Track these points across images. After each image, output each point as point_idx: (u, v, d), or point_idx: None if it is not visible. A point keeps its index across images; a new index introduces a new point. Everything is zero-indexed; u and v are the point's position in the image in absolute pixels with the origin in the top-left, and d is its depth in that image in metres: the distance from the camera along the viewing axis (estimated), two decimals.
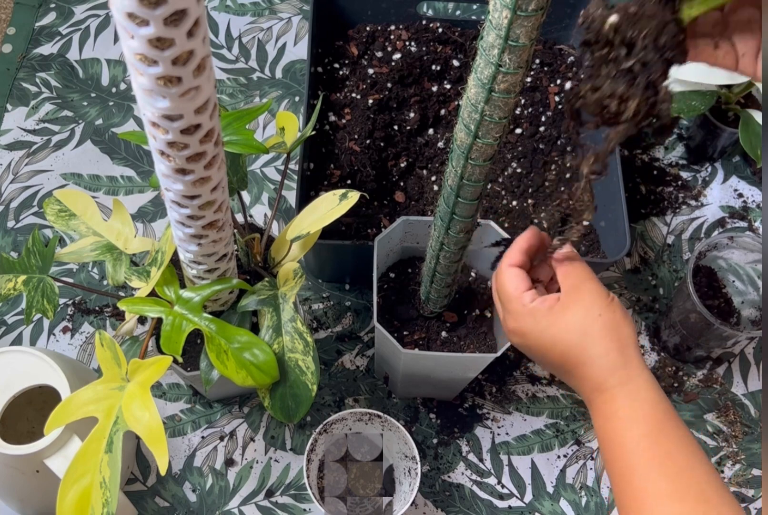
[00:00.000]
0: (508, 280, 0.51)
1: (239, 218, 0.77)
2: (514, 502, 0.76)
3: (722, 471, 0.78)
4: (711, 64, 0.41)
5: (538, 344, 0.50)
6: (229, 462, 0.76)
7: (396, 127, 0.86)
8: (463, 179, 0.51)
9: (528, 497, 0.76)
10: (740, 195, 0.93)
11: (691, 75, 0.82)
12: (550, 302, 0.49)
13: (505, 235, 0.62)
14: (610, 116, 0.40)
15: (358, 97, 0.86)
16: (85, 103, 0.95)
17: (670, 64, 0.39)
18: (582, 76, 0.41)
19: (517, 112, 0.88)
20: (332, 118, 0.86)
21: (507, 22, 0.39)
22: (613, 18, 0.38)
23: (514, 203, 0.84)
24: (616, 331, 0.47)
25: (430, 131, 0.87)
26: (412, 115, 0.86)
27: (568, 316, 0.48)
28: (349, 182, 0.82)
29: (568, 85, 0.89)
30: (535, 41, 0.40)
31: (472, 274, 0.75)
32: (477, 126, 0.46)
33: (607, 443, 0.47)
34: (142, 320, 0.78)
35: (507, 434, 0.79)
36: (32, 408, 0.70)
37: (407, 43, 0.90)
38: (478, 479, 0.77)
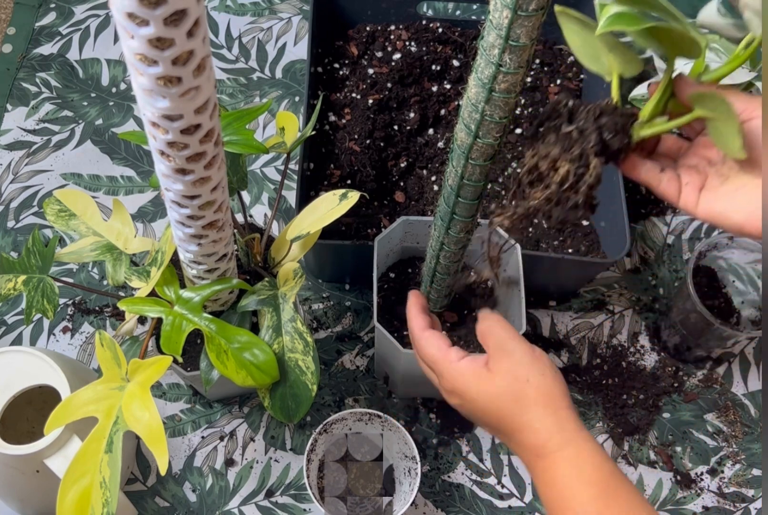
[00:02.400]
0: (428, 343, 0.53)
1: (239, 218, 0.77)
2: (514, 502, 0.76)
3: (722, 471, 0.78)
4: (654, 187, 0.45)
5: (474, 407, 0.50)
6: (229, 462, 0.76)
7: (396, 128, 0.86)
8: (463, 179, 0.51)
9: (528, 497, 0.76)
10: None
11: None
12: (479, 364, 0.50)
13: (505, 235, 0.62)
14: (536, 179, 0.44)
15: (358, 97, 0.86)
16: (85, 103, 0.95)
17: (605, 146, 0.42)
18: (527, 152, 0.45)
19: (517, 112, 0.88)
20: (332, 118, 0.86)
21: (508, 22, 0.39)
22: (572, 102, 0.43)
23: (514, 202, 0.84)
24: (548, 395, 0.48)
25: (430, 131, 0.87)
26: (412, 115, 0.86)
27: (497, 381, 0.49)
28: (349, 182, 0.82)
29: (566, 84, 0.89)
30: (536, 41, 0.40)
31: (472, 274, 0.75)
32: (477, 126, 0.46)
33: (553, 510, 0.46)
34: (142, 320, 0.78)
35: None
36: (32, 408, 0.70)
37: (407, 43, 0.90)
38: (478, 479, 0.77)
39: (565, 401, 0.48)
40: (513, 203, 0.47)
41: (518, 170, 0.47)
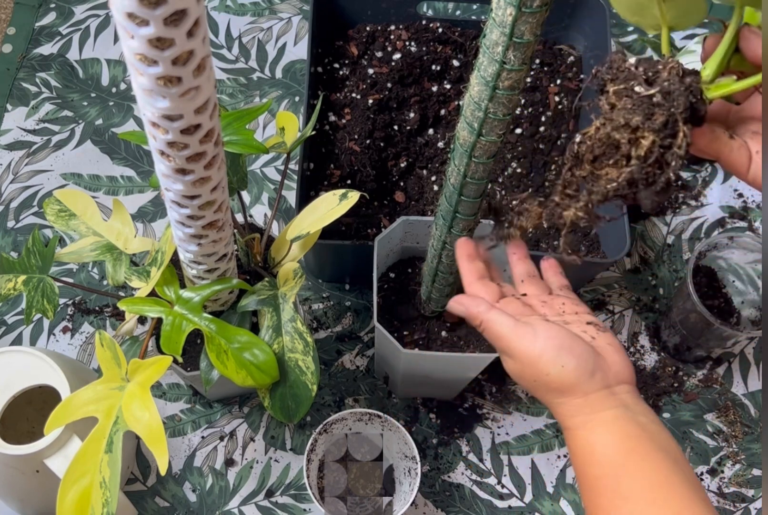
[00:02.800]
0: (499, 324, 0.49)
1: (239, 218, 0.77)
2: (514, 502, 0.76)
3: (722, 471, 0.78)
4: (723, 157, 0.41)
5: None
6: (229, 462, 0.76)
7: (396, 127, 0.86)
8: (466, 177, 0.51)
9: (528, 497, 0.76)
10: (740, 195, 0.93)
11: None
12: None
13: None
14: (605, 155, 0.38)
15: (358, 97, 0.86)
16: (85, 103, 0.95)
17: (694, 110, 0.36)
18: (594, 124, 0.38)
19: (518, 112, 0.88)
20: (332, 118, 0.86)
21: (512, 19, 0.39)
22: (633, 59, 0.37)
23: (514, 203, 0.84)
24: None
25: (430, 131, 0.87)
26: (412, 115, 0.86)
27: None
28: (349, 182, 0.82)
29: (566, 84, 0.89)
30: (539, 38, 0.40)
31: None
32: (481, 124, 0.46)
33: (578, 463, 0.46)
34: (142, 320, 0.78)
35: (507, 434, 0.79)
36: (32, 408, 0.70)
37: (407, 43, 0.90)
38: (478, 479, 0.77)
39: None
40: (565, 191, 0.41)
41: (576, 145, 0.39)
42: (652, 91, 0.36)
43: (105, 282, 0.85)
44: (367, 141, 0.83)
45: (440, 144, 0.86)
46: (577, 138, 0.39)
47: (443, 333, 0.71)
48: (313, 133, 0.72)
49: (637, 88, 0.37)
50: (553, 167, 0.86)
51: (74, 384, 0.61)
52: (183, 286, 0.62)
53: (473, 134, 0.47)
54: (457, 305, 0.51)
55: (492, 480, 0.77)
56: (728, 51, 0.39)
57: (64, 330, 0.82)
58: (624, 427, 0.45)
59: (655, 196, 0.38)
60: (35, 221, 0.88)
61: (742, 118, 0.42)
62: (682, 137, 0.36)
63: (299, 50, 0.99)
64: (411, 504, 0.68)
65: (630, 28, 1.03)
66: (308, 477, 0.68)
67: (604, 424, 0.45)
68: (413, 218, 0.70)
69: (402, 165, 0.85)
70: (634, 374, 0.48)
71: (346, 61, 0.90)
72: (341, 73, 0.89)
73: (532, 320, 0.48)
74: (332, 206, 0.63)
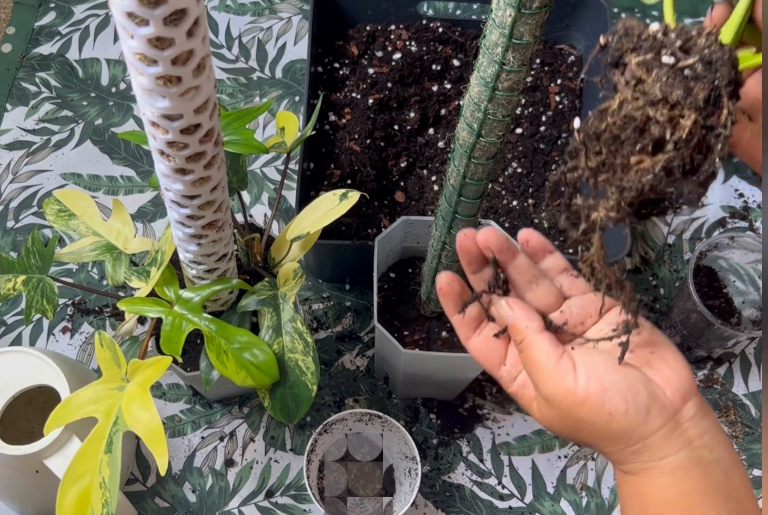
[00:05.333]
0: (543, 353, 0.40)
1: (239, 218, 0.76)
2: (515, 503, 0.76)
3: None
4: (744, 142, 0.38)
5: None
6: (229, 463, 0.76)
7: (396, 127, 0.86)
8: (465, 178, 0.51)
9: (528, 497, 0.76)
10: (741, 195, 0.92)
11: None
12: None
13: (506, 234, 0.62)
14: (646, 143, 0.31)
15: (358, 96, 0.86)
16: (85, 103, 0.95)
17: (737, 86, 0.31)
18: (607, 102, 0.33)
19: (518, 111, 0.87)
20: (332, 118, 0.86)
21: (511, 20, 0.38)
22: (657, 25, 0.32)
23: (515, 202, 0.84)
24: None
25: (431, 131, 0.87)
26: (412, 115, 0.86)
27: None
28: (349, 181, 0.82)
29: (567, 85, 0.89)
30: (538, 39, 0.40)
31: None
32: (480, 125, 0.46)
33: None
34: (141, 320, 0.78)
35: (507, 434, 0.79)
36: (32, 409, 0.70)
37: (407, 42, 0.89)
38: (479, 479, 0.77)
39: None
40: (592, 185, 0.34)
41: (593, 122, 0.33)
42: (690, 62, 0.30)
43: (105, 282, 0.85)
44: (368, 141, 0.83)
45: (440, 144, 0.86)
46: (592, 116, 0.33)
47: (444, 333, 0.71)
48: (313, 133, 0.72)
49: (666, 59, 0.31)
50: (553, 166, 0.86)
51: (74, 385, 0.61)
52: (183, 286, 0.62)
53: (473, 135, 0.47)
54: (507, 310, 0.42)
55: (492, 481, 0.77)
56: (743, 20, 0.35)
57: (64, 330, 0.82)
58: (685, 481, 0.38)
59: (699, 187, 0.32)
60: (35, 221, 0.88)
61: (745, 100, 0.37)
62: (727, 114, 0.31)
63: (299, 50, 0.99)
64: (411, 505, 0.68)
65: None
66: (308, 478, 0.68)
67: (663, 475, 0.38)
68: (413, 218, 0.70)
69: (402, 165, 0.85)
70: (692, 376, 0.41)
71: (346, 61, 0.90)
72: (341, 72, 0.89)
73: (571, 352, 0.41)
74: (332, 206, 0.63)
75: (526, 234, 0.45)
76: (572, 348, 0.41)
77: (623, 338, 0.39)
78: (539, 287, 0.44)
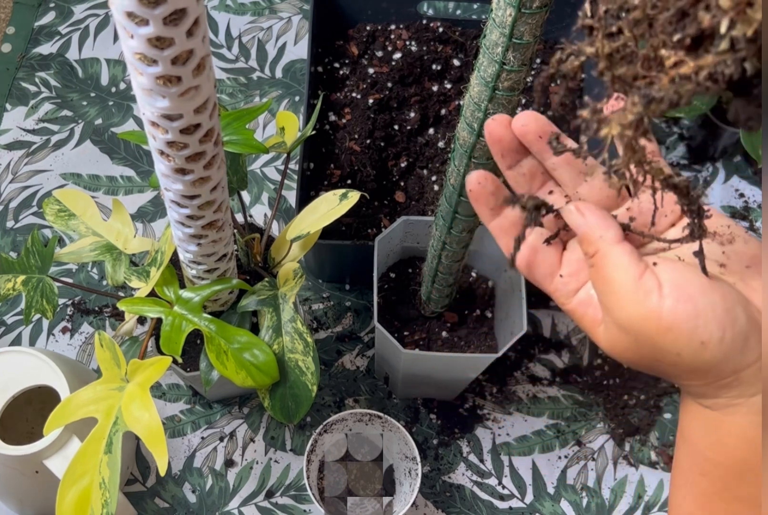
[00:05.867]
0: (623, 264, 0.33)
1: (239, 218, 0.76)
2: (515, 503, 0.76)
3: None
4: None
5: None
6: (229, 463, 0.76)
7: (396, 127, 0.86)
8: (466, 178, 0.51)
9: (529, 498, 0.76)
10: (741, 195, 0.92)
11: None
12: None
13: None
14: (688, 34, 0.23)
15: (359, 96, 0.86)
16: (85, 103, 0.95)
17: None
18: None
19: (518, 111, 0.87)
20: (332, 117, 0.86)
21: (511, 20, 0.38)
22: None
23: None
24: None
25: (431, 131, 0.87)
26: (412, 114, 0.86)
27: None
28: (349, 181, 0.82)
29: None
30: (539, 39, 0.40)
31: (473, 274, 0.74)
32: (481, 125, 0.46)
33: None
34: (141, 320, 0.78)
35: (508, 434, 0.79)
36: (31, 409, 0.70)
37: (407, 42, 0.89)
38: (479, 480, 0.77)
39: None
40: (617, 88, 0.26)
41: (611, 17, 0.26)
42: None
43: (104, 282, 0.85)
44: (368, 141, 0.83)
45: (441, 144, 0.86)
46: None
47: (444, 334, 0.71)
48: (313, 133, 0.72)
49: None
50: None
51: (73, 385, 0.61)
52: (183, 286, 0.62)
53: (473, 135, 0.47)
54: (578, 216, 0.34)
55: (493, 481, 0.77)
56: None
57: (64, 330, 0.82)
58: None
59: (752, 105, 0.25)
60: (34, 221, 0.88)
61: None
62: None
63: (299, 50, 0.99)
64: (411, 505, 0.68)
65: None
66: (308, 478, 0.68)
67: (750, 414, 0.33)
68: (413, 218, 0.70)
69: (402, 165, 0.85)
70: None
71: (347, 61, 0.90)
72: (341, 72, 0.89)
73: (654, 268, 0.33)
74: (332, 206, 0.63)
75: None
76: (654, 264, 0.33)
77: (697, 245, 0.32)
78: (594, 179, 0.37)
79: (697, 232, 0.32)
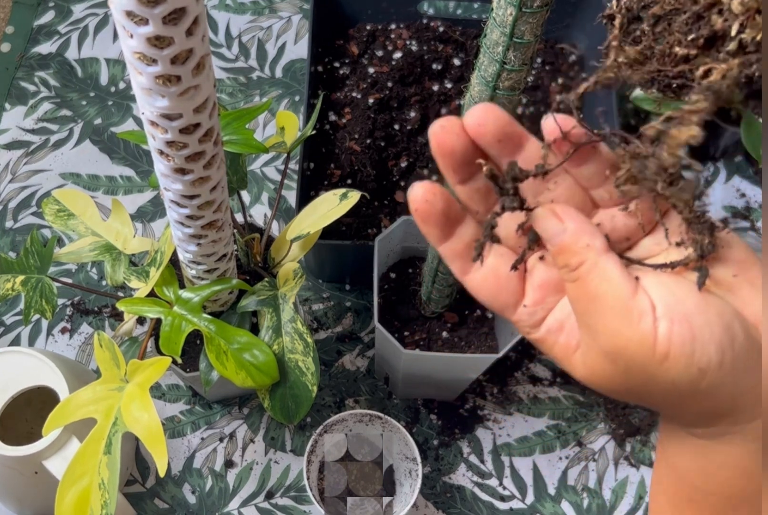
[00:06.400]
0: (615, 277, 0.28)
1: (239, 218, 0.76)
2: (516, 504, 0.75)
3: None
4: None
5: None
6: (229, 464, 0.76)
7: (396, 127, 0.85)
8: None
9: (529, 498, 0.76)
10: (743, 195, 0.92)
11: None
12: None
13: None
14: (702, 35, 0.25)
15: (359, 96, 0.86)
16: (84, 103, 0.94)
17: None
18: None
19: (519, 111, 0.87)
20: (332, 117, 0.86)
21: (512, 19, 0.38)
22: None
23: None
24: None
25: None
26: (412, 114, 0.86)
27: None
28: (349, 181, 0.82)
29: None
30: (540, 38, 0.40)
31: None
32: None
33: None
34: (141, 320, 0.78)
35: (508, 435, 0.78)
36: (31, 409, 0.70)
37: (408, 42, 0.89)
38: (480, 480, 0.76)
39: None
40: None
41: None
42: None
43: (104, 282, 0.85)
44: (368, 141, 0.83)
45: None
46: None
47: (444, 334, 0.71)
48: (314, 132, 0.72)
49: None
50: None
51: (73, 385, 0.61)
52: (182, 286, 0.62)
53: None
54: (556, 223, 0.29)
55: (493, 482, 0.76)
56: None
57: (63, 331, 0.81)
58: None
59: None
60: (34, 221, 0.87)
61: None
62: None
63: (299, 49, 0.99)
64: (412, 506, 0.68)
65: None
66: (308, 479, 0.68)
67: (746, 442, 0.30)
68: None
69: (403, 165, 0.85)
70: None
71: (347, 61, 0.90)
72: (341, 72, 0.89)
73: (640, 275, 0.29)
74: (332, 206, 0.63)
75: (553, 122, 0.31)
76: (637, 278, 0.29)
77: (695, 262, 0.29)
78: (559, 186, 0.31)
79: (707, 249, 0.29)
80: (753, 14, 0.24)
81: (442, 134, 0.29)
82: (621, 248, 0.31)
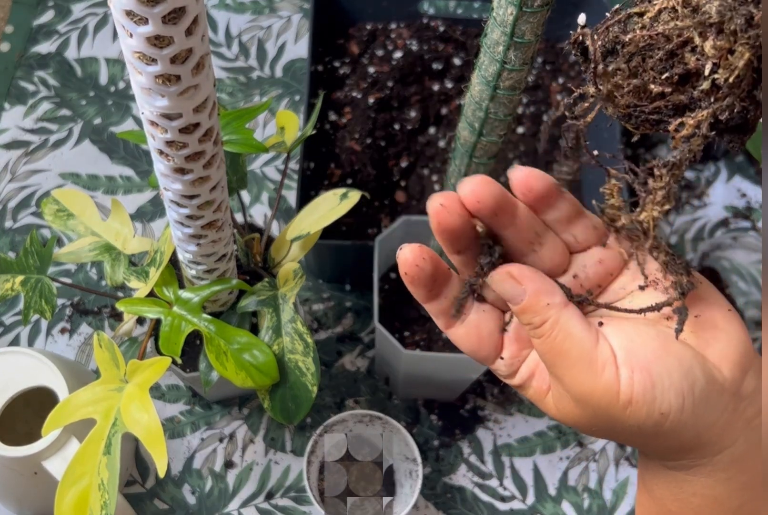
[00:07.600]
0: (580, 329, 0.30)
1: (239, 217, 0.76)
2: (516, 504, 0.75)
3: None
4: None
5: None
6: (229, 464, 0.76)
7: (397, 127, 0.85)
8: None
9: (530, 499, 0.76)
10: (744, 195, 0.92)
11: None
12: None
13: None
14: (675, 74, 0.26)
15: (359, 96, 0.86)
16: (84, 103, 0.94)
17: None
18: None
19: (519, 111, 0.87)
20: (333, 117, 0.86)
21: (512, 19, 0.38)
22: None
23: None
24: None
25: (432, 130, 0.87)
26: (413, 114, 0.86)
27: None
28: (349, 181, 0.82)
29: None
30: (540, 38, 0.40)
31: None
32: (481, 124, 0.45)
33: None
34: (140, 320, 0.78)
35: (509, 436, 0.78)
36: (30, 410, 0.70)
37: (408, 41, 0.89)
38: (480, 481, 0.76)
39: None
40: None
41: (607, 36, 0.29)
42: None
43: (103, 283, 0.84)
44: (368, 140, 0.83)
45: (441, 143, 0.86)
46: (614, 19, 0.29)
47: (444, 334, 0.71)
48: (314, 132, 0.72)
49: None
50: (554, 166, 0.85)
51: (72, 386, 0.61)
52: (182, 286, 0.62)
53: (474, 134, 0.47)
54: (515, 286, 0.31)
55: (494, 482, 0.76)
56: None
57: (62, 331, 0.81)
58: (739, 476, 0.31)
59: (741, 136, 0.27)
60: (33, 221, 0.87)
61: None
62: None
63: (299, 49, 0.99)
64: (412, 507, 0.68)
65: None
66: (308, 479, 0.68)
67: (715, 472, 0.31)
68: (414, 218, 0.69)
69: (403, 164, 0.84)
70: (749, 338, 0.31)
71: (347, 60, 0.89)
72: (342, 71, 0.89)
73: (601, 329, 0.31)
74: (333, 205, 0.63)
75: (525, 177, 0.32)
76: (600, 324, 0.31)
77: (672, 305, 0.30)
78: (543, 247, 0.32)
79: (687, 287, 0.31)
80: (725, 54, 0.25)
81: (443, 213, 0.31)
82: (595, 293, 0.33)
